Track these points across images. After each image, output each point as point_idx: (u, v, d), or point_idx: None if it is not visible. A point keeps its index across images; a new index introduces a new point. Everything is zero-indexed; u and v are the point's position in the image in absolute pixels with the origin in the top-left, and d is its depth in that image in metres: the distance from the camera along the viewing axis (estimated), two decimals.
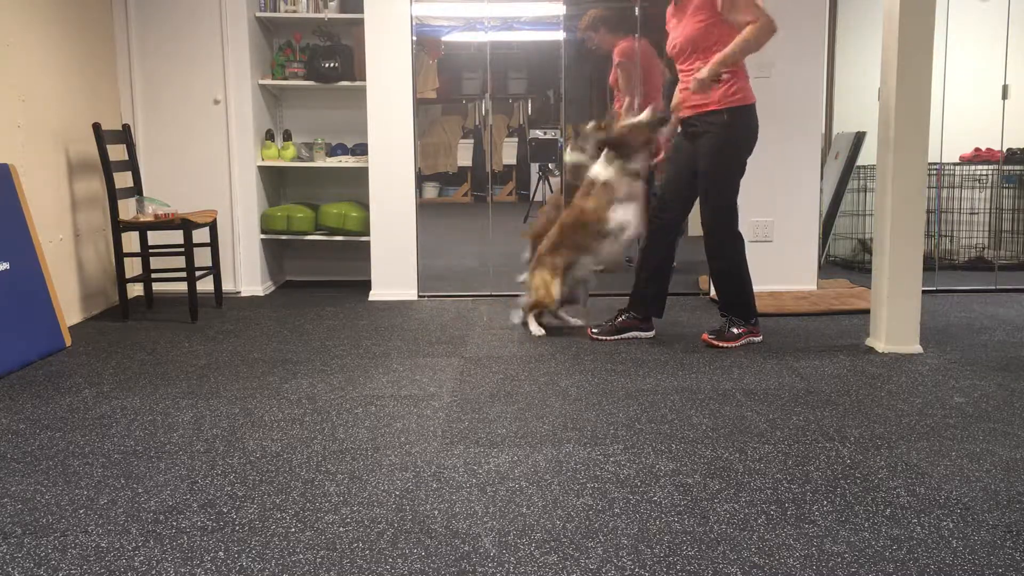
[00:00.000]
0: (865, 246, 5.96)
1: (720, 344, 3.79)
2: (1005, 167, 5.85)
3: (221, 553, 1.96)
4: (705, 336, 3.84)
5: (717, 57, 3.51)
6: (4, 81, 3.88)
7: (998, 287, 5.16)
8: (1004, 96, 5.42)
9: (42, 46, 4.21)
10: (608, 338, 3.94)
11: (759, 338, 3.88)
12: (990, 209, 6.01)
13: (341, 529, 2.08)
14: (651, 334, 4.00)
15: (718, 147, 3.65)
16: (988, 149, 5.82)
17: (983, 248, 6.00)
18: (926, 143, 3.59)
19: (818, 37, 4.93)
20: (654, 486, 2.31)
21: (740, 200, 5.11)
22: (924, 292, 3.79)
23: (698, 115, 3.67)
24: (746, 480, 2.35)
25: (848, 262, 6.09)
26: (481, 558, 1.93)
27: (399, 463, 2.49)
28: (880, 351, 3.70)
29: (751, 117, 3.66)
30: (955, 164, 5.90)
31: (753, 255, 5.01)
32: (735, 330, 3.81)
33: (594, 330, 3.98)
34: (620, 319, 3.96)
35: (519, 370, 3.48)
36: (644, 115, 3.88)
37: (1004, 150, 5.71)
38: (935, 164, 5.66)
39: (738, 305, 3.82)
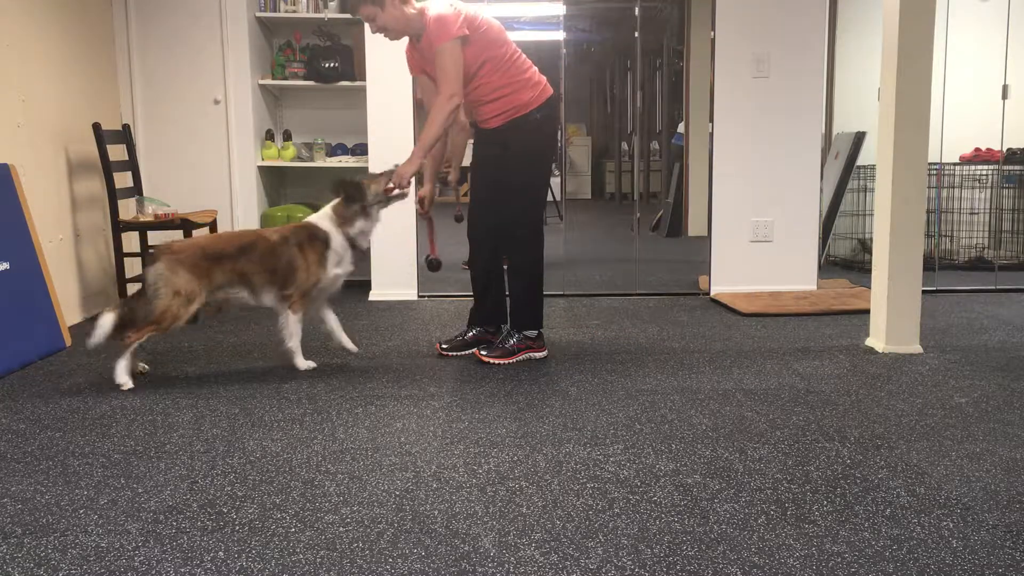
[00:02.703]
0: (865, 246, 5.95)
1: (491, 360, 3.56)
2: (1005, 167, 5.85)
3: (221, 553, 1.96)
4: (477, 352, 3.61)
5: (418, 146, 3.39)
6: (4, 81, 3.88)
7: (998, 287, 5.16)
8: (1004, 96, 5.42)
9: (42, 46, 4.21)
10: (457, 353, 3.71)
11: (541, 354, 3.63)
12: (990, 209, 6.01)
13: (341, 529, 2.08)
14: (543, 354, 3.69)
15: (534, 143, 3.54)
16: (988, 149, 5.83)
17: (983, 248, 6.00)
18: (926, 143, 3.59)
19: (818, 37, 4.93)
20: (654, 486, 2.31)
21: (741, 199, 5.10)
22: (924, 292, 3.78)
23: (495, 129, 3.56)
24: (746, 480, 2.35)
25: (848, 262, 6.09)
26: (481, 558, 1.93)
27: (399, 463, 2.49)
28: (880, 351, 3.70)
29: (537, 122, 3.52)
30: (955, 164, 5.90)
31: (753, 255, 5.05)
32: (509, 343, 3.59)
33: (444, 345, 3.74)
34: (470, 334, 3.77)
35: (519, 370, 3.48)
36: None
37: (1004, 150, 5.71)
38: (935, 164, 5.66)
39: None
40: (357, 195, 3.47)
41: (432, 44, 3.35)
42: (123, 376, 3.26)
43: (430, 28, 3.34)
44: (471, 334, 3.76)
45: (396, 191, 3.50)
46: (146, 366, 3.49)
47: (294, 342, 3.49)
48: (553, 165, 3.92)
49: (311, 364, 3.53)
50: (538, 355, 3.64)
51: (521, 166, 3.57)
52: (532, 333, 3.63)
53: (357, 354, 3.70)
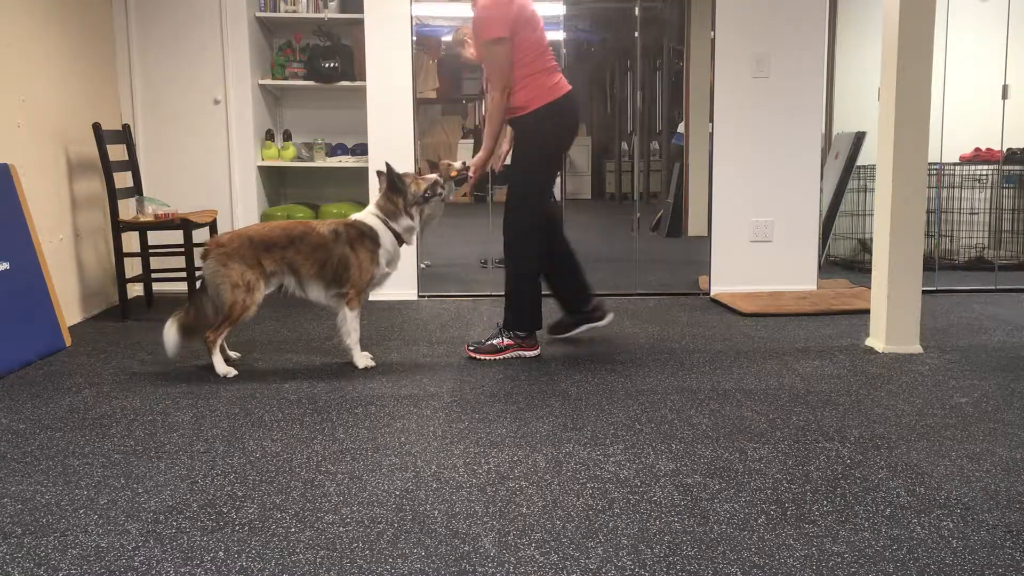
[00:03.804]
0: (865, 246, 5.95)
1: (478, 356, 3.61)
2: (1005, 167, 5.85)
3: (221, 553, 1.96)
4: (466, 347, 3.68)
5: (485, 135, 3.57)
6: (4, 81, 3.88)
7: (998, 287, 5.16)
8: (1004, 96, 5.41)
9: (42, 46, 4.21)
10: (568, 334, 3.91)
11: (532, 353, 3.65)
12: (990, 209, 6.01)
13: (341, 529, 2.08)
14: (609, 319, 3.91)
15: (532, 146, 3.57)
16: (988, 149, 5.82)
17: (983, 248, 6.00)
18: (926, 143, 3.59)
19: (818, 37, 4.93)
20: (654, 486, 2.31)
21: (741, 199, 5.11)
22: (924, 292, 3.78)
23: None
24: (746, 480, 2.35)
25: (848, 262, 6.09)
26: (481, 558, 1.93)
27: (399, 463, 2.49)
28: (880, 351, 3.70)
29: (551, 115, 3.53)
30: (955, 164, 5.90)
31: (753, 255, 5.05)
32: (496, 341, 3.62)
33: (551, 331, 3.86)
34: (570, 319, 3.89)
35: (519, 370, 3.48)
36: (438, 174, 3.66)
37: (1004, 150, 5.71)
38: (935, 164, 5.65)
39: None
40: (399, 185, 3.49)
41: (478, 34, 3.46)
42: (222, 368, 3.42)
43: (476, 16, 3.46)
44: (570, 320, 3.90)
45: (436, 190, 3.54)
46: (237, 353, 3.67)
47: (352, 339, 3.51)
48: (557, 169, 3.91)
49: (370, 362, 3.55)
50: (528, 354, 3.64)
51: (519, 168, 3.59)
52: (522, 332, 3.63)
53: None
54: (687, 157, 7.24)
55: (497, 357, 3.61)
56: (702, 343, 3.91)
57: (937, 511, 2.15)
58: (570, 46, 5.48)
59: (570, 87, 3.58)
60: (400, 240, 3.55)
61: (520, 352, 3.63)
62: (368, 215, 3.53)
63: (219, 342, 3.43)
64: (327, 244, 3.44)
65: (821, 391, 3.16)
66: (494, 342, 3.63)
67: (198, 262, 4.57)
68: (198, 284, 3.45)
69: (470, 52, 4.67)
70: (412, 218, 3.53)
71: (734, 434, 2.71)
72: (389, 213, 3.51)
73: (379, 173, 3.56)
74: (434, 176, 3.59)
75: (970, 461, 2.48)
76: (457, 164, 3.70)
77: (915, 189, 3.60)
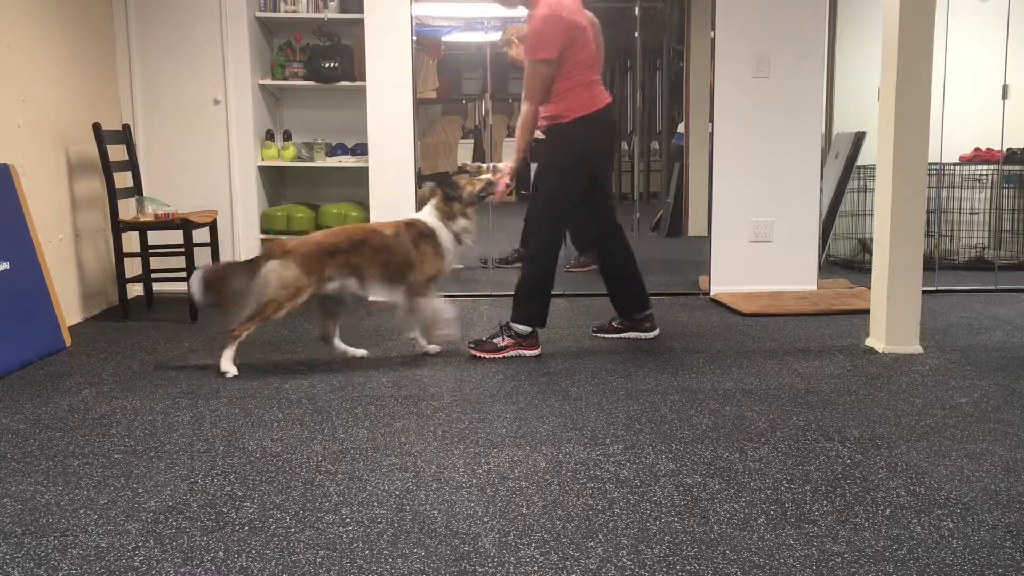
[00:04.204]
0: (865, 246, 5.95)
1: (480, 354, 3.65)
2: (1005, 167, 5.85)
3: (221, 553, 1.96)
4: (467, 345, 3.72)
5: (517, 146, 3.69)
6: (4, 81, 3.88)
7: (998, 287, 5.15)
8: (1004, 96, 5.41)
9: (42, 46, 4.21)
10: (606, 336, 3.99)
11: (532, 352, 3.68)
12: (990, 209, 6.01)
13: (341, 529, 2.08)
14: (656, 333, 3.98)
15: (565, 154, 3.66)
16: (988, 149, 5.82)
17: (983, 248, 5.99)
18: (926, 143, 3.59)
19: (818, 37, 4.93)
20: (654, 486, 2.31)
21: (741, 199, 5.11)
22: (924, 292, 3.78)
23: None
24: (746, 480, 2.35)
25: (848, 262, 6.09)
26: (481, 558, 1.93)
27: (399, 463, 2.49)
28: (880, 351, 3.70)
29: (581, 128, 3.62)
30: (955, 164, 5.89)
31: (753, 255, 5.04)
32: (497, 340, 3.67)
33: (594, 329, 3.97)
34: (616, 324, 4.00)
35: (519, 370, 3.48)
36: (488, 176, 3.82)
37: (1004, 150, 5.71)
38: (935, 164, 5.65)
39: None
40: (454, 191, 3.64)
41: (527, 49, 3.57)
42: (228, 364, 3.44)
43: (530, 29, 3.56)
44: (616, 322, 3.99)
45: (490, 189, 3.68)
46: (365, 351, 3.73)
47: (417, 332, 3.71)
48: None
49: (436, 347, 3.75)
50: (529, 353, 3.67)
51: (550, 175, 3.69)
52: (524, 330, 3.66)
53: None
54: (687, 157, 7.25)
55: (497, 356, 3.63)
56: (702, 343, 3.91)
57: (937, 511, 2.15)
58: None
59: (609, 99, 3.68)
60: (458, 239, 3.68)
61: (521, 351, 3.65)
62: (427, 215, 3.67)
63: (242, 337, 3.45)
64: (390, 245, 3.56)
65: (821, 391, 3.16)
66: (495, 340, 3.66)
67: (198, 262, 4.59)
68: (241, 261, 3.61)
69: (516, 51, 4.91)
70: (468, 218, 3.68)
71: (734, 434, 2.71)
72: (446, 215, 3.65)
73: (435, 184, 3.74)
74: (487, 176, 3.75)
75: (970, 461, 2.48)
76: (485, 176, 3.82)
77: (915, 189, 3.60)
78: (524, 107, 3.61)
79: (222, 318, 3.51)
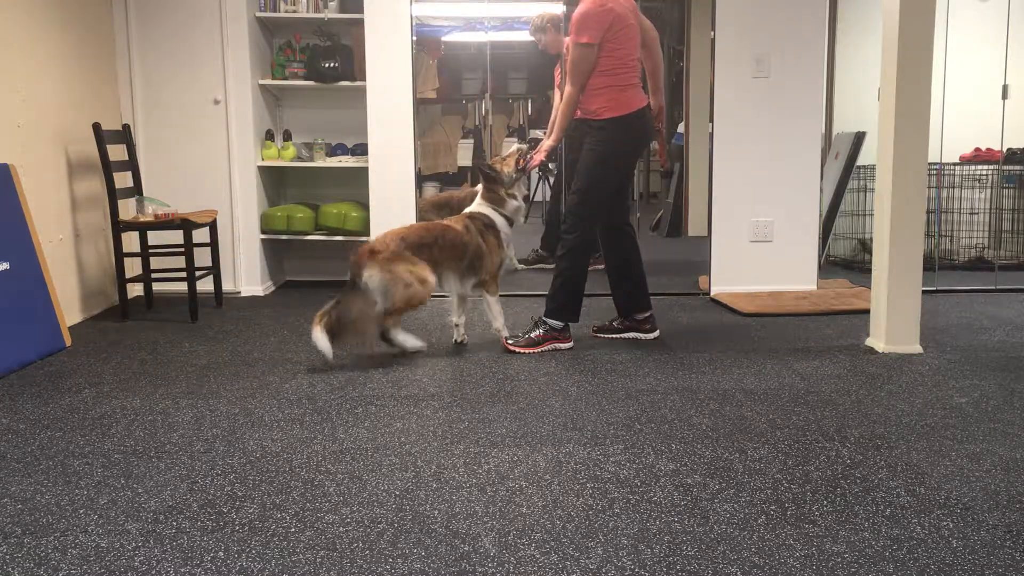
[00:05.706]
0: (865, 246, 5.95)
1: (517, 349, 3.72)
2: (1005, 167, 5.85)
3: (221, 553, 1.96)
4: (504, 340, 3.78)
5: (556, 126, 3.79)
6: (4, 81, 3.88)
7: (998, 287, 5.15)
8: (1004, 96, 5.41)
9: (42, 46, 4.21)
10: (606, 336, 4.02)
11: (566, 345, 3.77)
12: (990, 209, 6.01)
13: (341, 529, 2.08)
14: (656, 335, 3.98)
15: (595, 153, 3.72)
16: (988, 149, 5.82)
17: (983, 248, 5.99)
18: (926, 143, 3.59)
19: (818, 37, 4.92)
20: (654, 486, 2.31)
21: (741, 199, 5.12)
22: (924, 292, 3.78)
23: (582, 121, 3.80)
24: (746, 480, 2.35)
25: (848, 262, 6.09)
26: (481, 558, 1.93)
27: (399, 463, 2.49)
28: (880, 351, 3.70)
29: (625, 127, 3.70)
30: (955, 164, 5.89)
31: (753, 255, 5.04)
32: (534, 334, 3.75)
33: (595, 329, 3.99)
34: (616, 322, 4.03)
35: (519, 370, 3.48)
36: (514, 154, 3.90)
37: (1004, 150, 5.71)
38: (935, 164, 5.65)
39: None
40: (493, 172, 3.79)
41: (572, 31, 3.64)
42: (412, 342, 3.66)
43: (575, 13, 3.62)
44: (617, 322, 4.02)
45: (524, 159, 3.81)
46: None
47: (499, 322, 3.84)
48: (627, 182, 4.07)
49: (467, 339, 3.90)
50: (563, 346, 3.78)
51: (584, 173, 3.73)
52: (558, 324, 3.76)
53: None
54: (687, 157, 7.25)
55: (536, 350, 3.73)
56: (702, 343, 3.91)
57: (937, 511, 2.15)
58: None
59: (644, 102, 3.74)
60: (510, 222, 3.81)
61: (556, 344, 3.77)
62: (480, 206, 3.80)
63: (399, 324, 3.61)
64: (463, 239, 3.70)
65: (821, 391, 3.16)
66: (532, 335, 3.75)
67: (199, 262, 4.59)
68: (347, 286, 3.58)
69: (549, 38, 5.16)
70: (516, 198, 3.81)
71: (734, 434, 2.71)
72: (495, 201, 3.80)
73: (478, 169, 3.91)
74: (515, 146, 3.89)
75: (970, 461, 2.48)
76: (513, 149, 3.93)
77: (915, 189, 3.60)
78: (568, 89, 3.69)
79: (359, 345, 3.56)
